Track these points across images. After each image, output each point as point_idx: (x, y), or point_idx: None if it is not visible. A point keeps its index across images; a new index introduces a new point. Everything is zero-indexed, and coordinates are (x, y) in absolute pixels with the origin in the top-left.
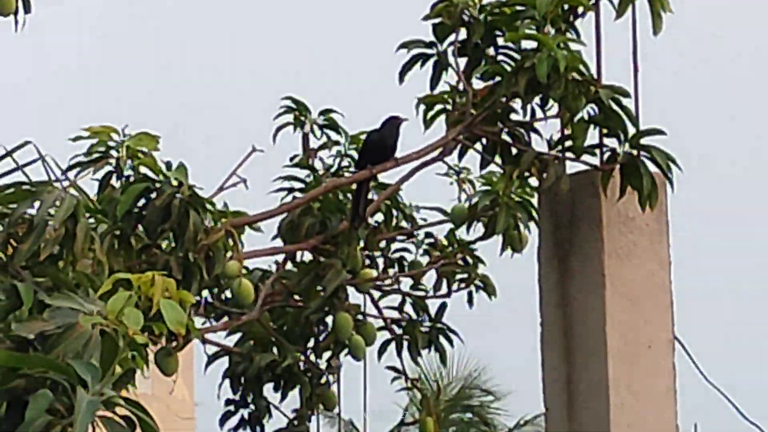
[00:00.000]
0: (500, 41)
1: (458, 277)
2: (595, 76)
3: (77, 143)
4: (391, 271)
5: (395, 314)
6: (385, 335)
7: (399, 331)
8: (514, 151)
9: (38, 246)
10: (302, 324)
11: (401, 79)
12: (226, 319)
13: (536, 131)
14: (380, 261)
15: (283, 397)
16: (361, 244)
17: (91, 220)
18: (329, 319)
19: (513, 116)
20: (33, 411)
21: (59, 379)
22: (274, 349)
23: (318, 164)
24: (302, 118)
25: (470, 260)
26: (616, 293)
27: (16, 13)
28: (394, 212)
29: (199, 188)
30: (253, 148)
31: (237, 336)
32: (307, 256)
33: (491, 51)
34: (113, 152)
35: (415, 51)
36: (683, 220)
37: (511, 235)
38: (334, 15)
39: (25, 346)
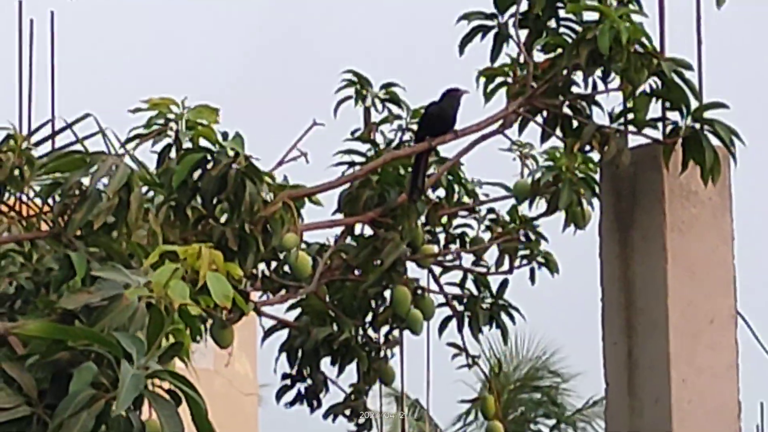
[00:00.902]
0: (561, 13)
1: (520, 253)
2: (658, 49)
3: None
4: (452, 247)
5: (456, 290)
6: (446, 312)
7: (460, 308)
8: (575, 124)
9: (92, 215)
10: (360, 298)
11: (461, 51)
12: (283, 292)
13: (597, 104)
14: (442, 237)
15: (341, 372)
16: (423, 219)
17: (151, 193)
18: (387, 293)
19: (574, 89)
20: (77, 384)
21: (104, 352)
22: (332, 323)
23: (379, 138)
24: (364, 92)
25: (532, 236)
26: (678, 267)
27: None
28: (456, 187)
29: (256, 158)
30: (313, 121)
31: (297, 311)
32: (367, 231)
33: (552, 23)
34: (172, 124)
35: (476, 23)
36: (746, 194)
37: (573, 211)
38: None
39: (71, 318)
